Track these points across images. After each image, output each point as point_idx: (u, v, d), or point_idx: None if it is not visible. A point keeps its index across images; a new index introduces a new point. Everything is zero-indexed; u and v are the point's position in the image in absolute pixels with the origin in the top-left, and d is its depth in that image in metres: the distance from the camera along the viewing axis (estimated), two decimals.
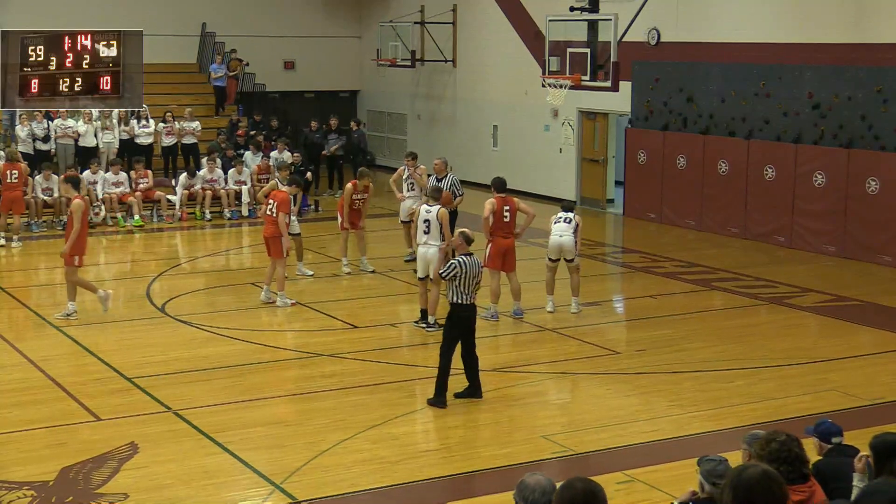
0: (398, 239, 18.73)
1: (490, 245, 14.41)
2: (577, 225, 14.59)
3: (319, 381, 11.96)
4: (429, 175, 17.57)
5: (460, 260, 11.15)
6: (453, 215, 16.72)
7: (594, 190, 24.27)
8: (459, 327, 11.08)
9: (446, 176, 17.02)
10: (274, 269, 15.22)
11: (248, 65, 28.27)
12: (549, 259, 14.79)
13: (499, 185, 14.65)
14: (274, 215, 15.01)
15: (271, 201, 15.15)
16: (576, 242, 14.53)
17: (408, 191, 17.72)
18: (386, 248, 19.10)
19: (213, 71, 27.39)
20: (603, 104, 22.92)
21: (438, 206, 14.32)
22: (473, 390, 11.20)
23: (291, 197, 16.19)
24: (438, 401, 10.97)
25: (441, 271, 11.35)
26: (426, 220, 14.17)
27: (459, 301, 11.04)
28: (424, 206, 14.51)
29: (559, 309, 14.81)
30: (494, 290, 14.46)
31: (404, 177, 17.79)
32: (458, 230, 12.09)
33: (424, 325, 13.91)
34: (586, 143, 24.30)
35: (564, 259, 14.63)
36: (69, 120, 23.13)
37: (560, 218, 14.71)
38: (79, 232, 14.08)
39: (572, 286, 14.81)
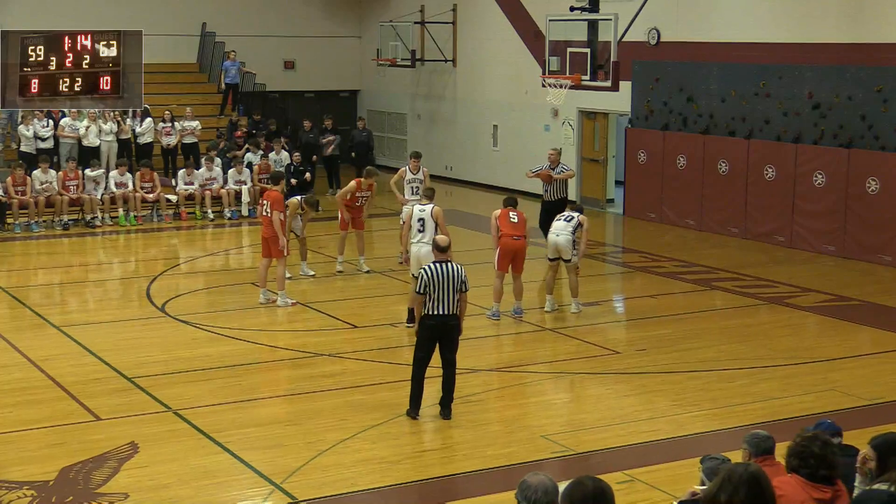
0: (398, 239, 18.69)
1: (498, 248, 14.34)
2: (581, 224, 14.53)
3: (319, 381, 11.95)
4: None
5: (426, 267, 10.52)
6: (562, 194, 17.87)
7: (594, 190, 24.26)
8: (426, 335, 10.51)
9: (559, 164, 18.00)
10: (265, 270, 15.22)
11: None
12: (548, 258, 14.78)
13: (507, 203, 14.66)
14: (269, 215, 15.01)
15: (265, 202, 15.16)
16: (575, 242, 14.48)
17: (411, 194, 17.25)
18: (386, 247, 19.09)
19: (225, 69, 27.25)
20: (603, 104, 22.91)
21: (432, 205, 14.33)
22: (443, 404, 10.69)
23: (298, 199, 16.25)
24: (409, 412, 10.63)
25: (416, 288, 10.58)
26: (420, 219, 14.17)
27: (426, 310, 10.41)
28: (418, 206, 14.49)
29: (559, 309, 14.81)
30: (497, 289, 14.44)
31: (406, 178, 17.66)
32: (434, 237, 11.87)
33: (410, 326, 13.81)
34: (586, 143, 24.30)
35: (562, 259, 14.61)
36: (77, 121, 22.99)
37: (561, 216, 14.71)
38: None
39: (570, 287, 14.78)
